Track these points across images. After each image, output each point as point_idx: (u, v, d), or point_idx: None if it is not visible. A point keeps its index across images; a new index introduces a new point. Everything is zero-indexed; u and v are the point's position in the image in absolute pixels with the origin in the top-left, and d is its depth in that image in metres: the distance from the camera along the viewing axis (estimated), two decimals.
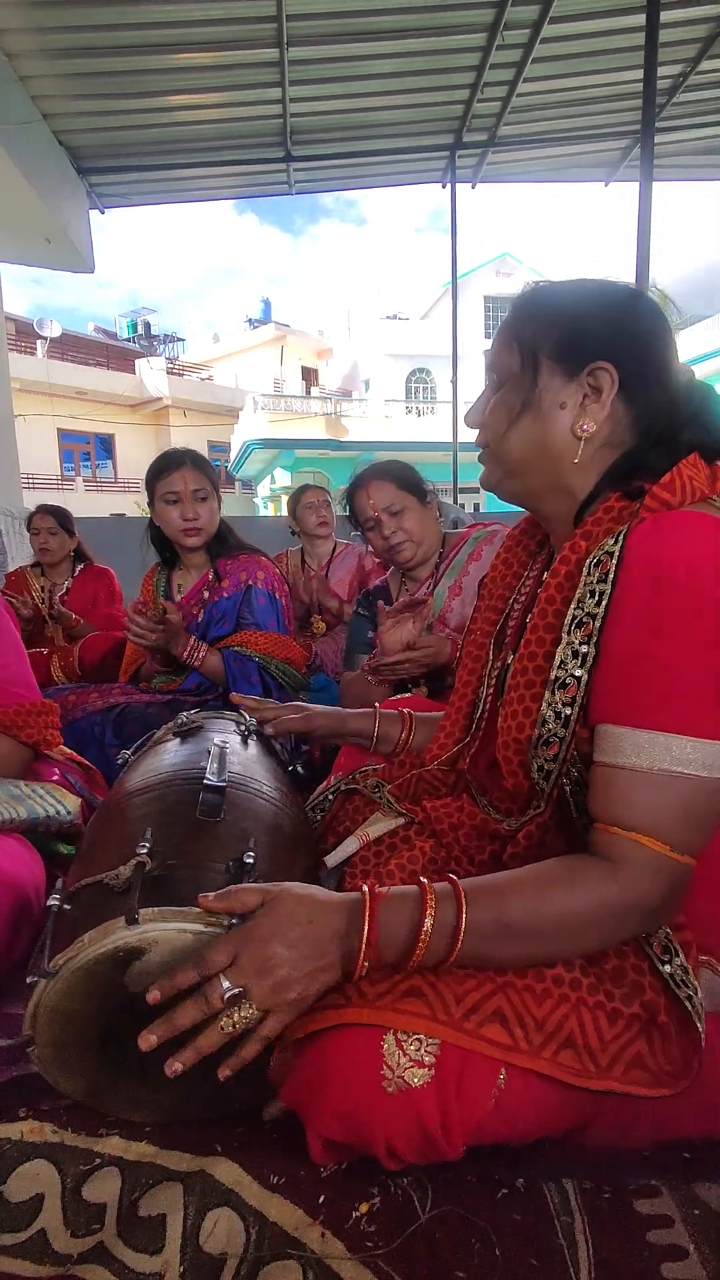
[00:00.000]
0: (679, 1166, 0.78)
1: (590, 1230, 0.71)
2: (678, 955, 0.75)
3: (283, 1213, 0.74)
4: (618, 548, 0.77)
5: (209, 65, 4.78)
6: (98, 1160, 0.81)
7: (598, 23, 4.74)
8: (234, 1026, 0.68)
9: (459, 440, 6.95)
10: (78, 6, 4.06)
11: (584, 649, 0.78)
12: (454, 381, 7.01)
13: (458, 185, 6.46)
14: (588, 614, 0.78)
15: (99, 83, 4.77)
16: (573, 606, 0.80)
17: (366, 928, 0.70)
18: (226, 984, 0.68)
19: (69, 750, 1.50)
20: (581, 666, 0.78)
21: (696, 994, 0.73)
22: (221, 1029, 0.68)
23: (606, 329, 0.84)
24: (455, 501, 6.75)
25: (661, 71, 4.78)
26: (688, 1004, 0.73)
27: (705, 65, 5.23)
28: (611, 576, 0.76)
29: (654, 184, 4.01)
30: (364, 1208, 0.75)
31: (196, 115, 5.38)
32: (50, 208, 5.21)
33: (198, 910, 0.73)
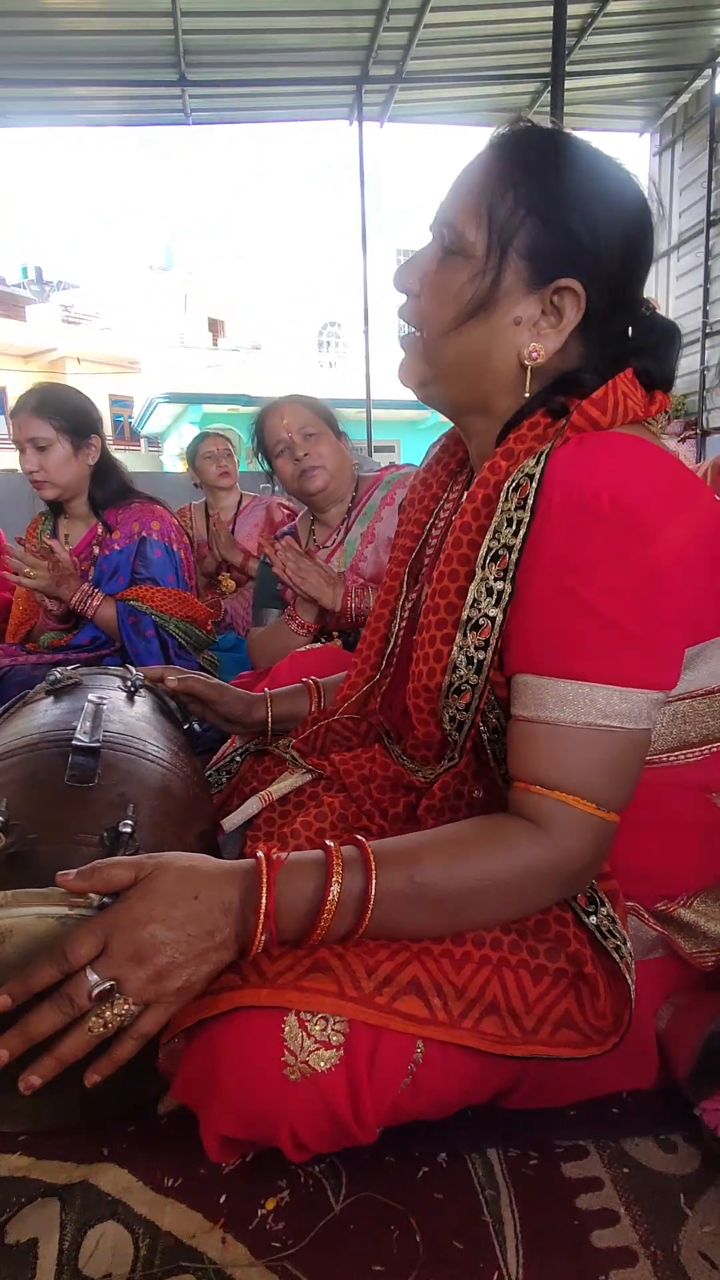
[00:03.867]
0: (607, 1123, 0.74)
1: (517, 1202, 0.66)
2: (604, 905, 0.70)
3: (177, 1219, 0.66)
4: (538, 469, 0.67)
5: None
6: None
7: None
8: (104, 1027, 0.58)
9: (372, 398, 6.80)
10: None
11: (499, 585, 0.70)
12: (366, 334, 6.81)
13: (365, 123, 6.19)
14: (504, 546, 0.69)
15: None
16: (488, 537, 0.71)
17: (264, 899, 0.61)
18: (94, 978, 0.57)
19: None
20: (496, 605, 0.70)
21: (625, 943, 0.68)
22: (90, 1031, 0.57)
23: (594, 241, 0.69)
24: (370, 456, 6.63)
25: (570, 10, 4.68)
26: (615, 955, 0.67)
27: (614, 7, 5.16)
28: (531, 503, 0.67)
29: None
30: (270, 1204, 0.67)
31: (77, 24, 4.91)
32: None
33: (62, 891, 0.61)
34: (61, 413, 1.85)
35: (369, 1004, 0.61)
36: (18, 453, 1.88)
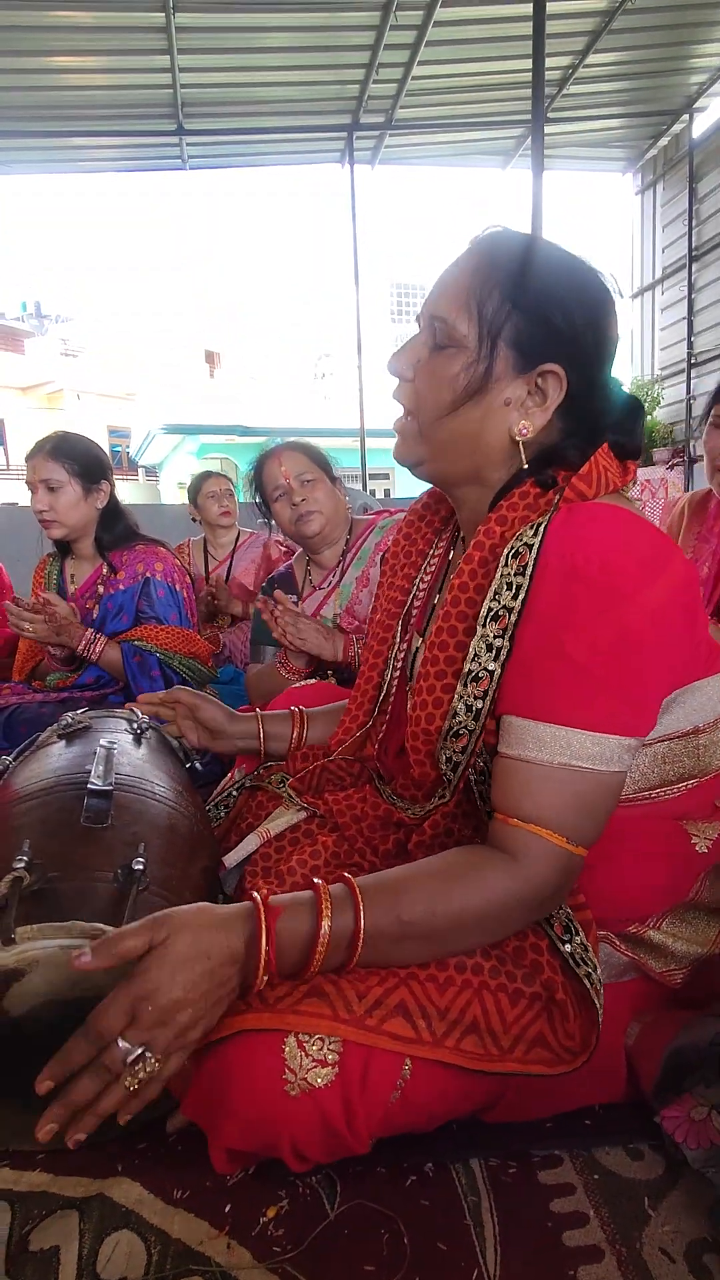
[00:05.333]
0: (580, 1134, 0.80)
1: (496, 1207, 0.72)
2: (578, 934, 0.76)
3: (186, 1228, 0.72)
4: (537, 540, 0.75)
5: (91, 25, 4.54)
6: None
7: (490, 9, 4.79)
8: (139, 1083, 0.63)
9: (366, 428, 6.95)
10: None
11: (499, 642, 0.77)
12: (359, 367, 6.98)
13: (356, 166, 6.40)
14: (504, 607, 0.76)
15: None
16: (488, 598, 0.78)
17: (265, 947, 0.67)
18: (126, 1046, 0.62)
19: None
20: (495, 660, 0.77)
21: (595, 971, 0.74)
22: (126, 1089, 0.63)
23: (571, 330, 0.78)
24: (365, 488, 6.75)
25: (551, 63, 4.91)
26: (586, 981, 0.74)
27: (593, 58, 5.39)
28: (530, 570, 0.74)
29: (549, 172, 4.12)
30: (271, 1212, 0.73)
31: (80, 80, 5.12)
32: None
33: (83, 924, 0.68)
34: (75, 457, 1.94)
35: (360, 1025, 0.68)
36: (30, 492, 1.97)
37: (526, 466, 0.81)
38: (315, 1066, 0.67)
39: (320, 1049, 0.68)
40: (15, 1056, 0.71)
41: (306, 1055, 0.68)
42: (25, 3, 4.21)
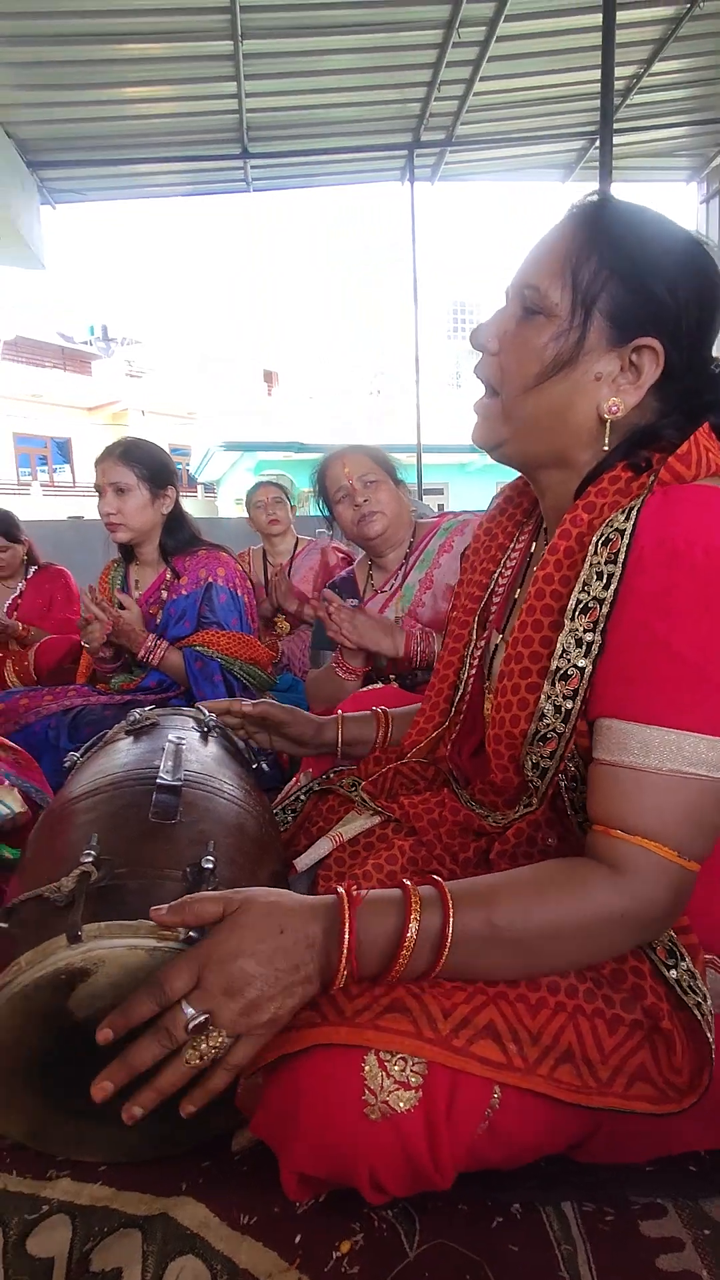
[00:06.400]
0: (684, 1181, 0.72)
1: (595, 1259, 0.65)
2: (684, 959, 0.69)
3: (254, 1257, 0.67)
4: (629, 525, 0.68)
5: (161, 57, 4.69)
6: (45, 1207, 0.72)
7: (553, 21, 4.76)
8: (200, 1059, 0.60)
9: (422, 443, 6.93)
10: None
11: (589, 637, 0.70)
12: (417, 382, 6.97)
13: (416, 183, 6.44)
14: (594, 598, 0.70)
15: (47, 72, 4.64)
16: (577, 589, 0.71)
17: (346, 934, 0.62)
18: (190, 1011, 0.59)
19: None
20: (586, 656, 0.70)
21: (706, 1000, 0.67)
22: (187, 1063, 0.60)
23: (673, 303, 0.72)
24: (420, 500, 6.72)
25: (616, 73, 4.83)
26: (696, 1011, 0.66)
27: (658, 67, 5.30)
28: (622, 557, 0.68)
29: (612, 185, 4.05)
30: (345, 1246, 0.67)
31: (150, 109, 5.28)
32: None
33: (150, 923, 0.65)
34: (143, 462, 1.97)
35: (447, 1046, 0.62)
36: (98, 495, 1.99)
37: (608, 448, 0.75)
38: (397, 1089, 0.62)
39: (403, 1070, 0.62)
40: (77, 1063, 0.68)
41: (388, 1076, 0.62)
42: (100, 38, 4.37)
